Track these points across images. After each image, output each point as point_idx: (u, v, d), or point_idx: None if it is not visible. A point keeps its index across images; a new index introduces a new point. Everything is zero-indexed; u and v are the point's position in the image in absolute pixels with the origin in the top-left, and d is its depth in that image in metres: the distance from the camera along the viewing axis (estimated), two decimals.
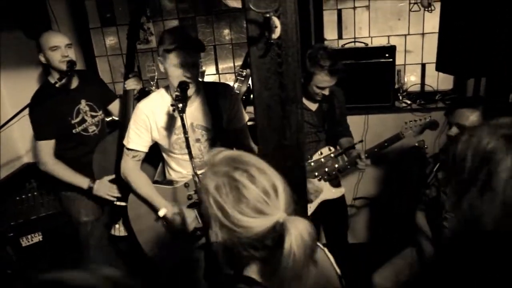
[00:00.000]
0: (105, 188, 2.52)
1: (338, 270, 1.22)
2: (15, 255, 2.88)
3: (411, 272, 2.40)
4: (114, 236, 2.59)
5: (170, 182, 2.32)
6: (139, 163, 2.27)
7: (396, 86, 3.37)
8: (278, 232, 0.97)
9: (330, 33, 3.54)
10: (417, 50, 3.48)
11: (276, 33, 1.24)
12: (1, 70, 3.17)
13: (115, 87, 3.83)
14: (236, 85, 2.94)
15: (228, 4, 1.49)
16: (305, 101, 2.55)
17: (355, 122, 3.16)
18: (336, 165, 2.55)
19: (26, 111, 2.47)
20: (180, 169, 2.28)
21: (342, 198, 2.79)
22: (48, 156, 2.53)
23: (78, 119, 2.61)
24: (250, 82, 2.93)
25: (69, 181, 2.54)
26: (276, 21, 1.22)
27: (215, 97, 2.22)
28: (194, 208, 2.25)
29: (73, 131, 2.59)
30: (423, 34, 3.42)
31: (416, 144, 2.56)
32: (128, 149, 2.22)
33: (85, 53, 3.71)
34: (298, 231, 0.94)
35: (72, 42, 2.58)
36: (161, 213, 2.20)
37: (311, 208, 2.60)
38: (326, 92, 2.50)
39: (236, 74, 2.98)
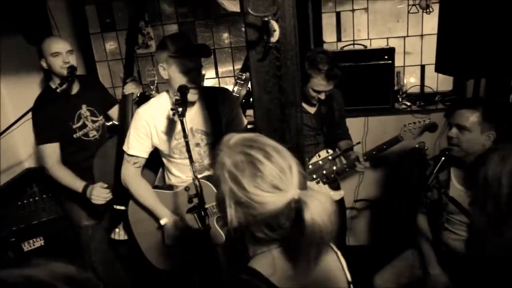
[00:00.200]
0: (95, 192, 2.49)
1: (349, 276, 1.20)
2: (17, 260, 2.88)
3: (412, 274, 2.40)
4: (114, 240, 2.59)
5: (170, 187, 2.32)
6: (140, 170, 2.27)
7: (396, 88, 3.37)
8: (293, 210, 0.98)
9: (329, 36, 3.55)
10: (416, 52, 3.48)
11: (275, 37, 1.24)
12: (2, 75, 3.17)
13: (115, 91, 3.84)
14: (235, 89, 2.95)
15: (226, 8, 1.50)
16: (303, 104, 2.55)
17: (355, 124, 3.17)
18: (334, 167, 2.55)
19: (28, 116, 2.48)
20: (179, 174, 2.28)
21: (341, 200, 2.78)
22: (52, 159, 2.54)
23: (79, 124, 2.62)
24: (249, 85, 2.94)
25: (67, 184, 2.55)
26: (275, 25, 1.22)
27: (214, 101, 2.23)
28: (194, 212, 2.25)
29: (74, 136, 2.60)
30: (422, 35, 3.42)
31: (417, 146, 2.56)
32: (129, 155, 2.22)
33: (85, 58, 3.73)
34: (316, 201, 0.95)
35: (73, 48, 2.60)
36: (163, 222, 2.21)
37: None
38: (322, 97, 2.50)
39: (236, 77, 2.99)
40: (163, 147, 2.21)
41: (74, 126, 2.59)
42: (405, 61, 3.51)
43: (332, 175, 2.58)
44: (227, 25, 3.68)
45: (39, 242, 2.92)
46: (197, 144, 2.21)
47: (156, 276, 2.49)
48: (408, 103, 3.35)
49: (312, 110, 2.66)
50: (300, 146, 1.42)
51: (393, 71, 3.22)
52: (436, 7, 2.42)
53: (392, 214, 3.26)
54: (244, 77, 2.94)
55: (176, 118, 1.83)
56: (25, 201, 3.03)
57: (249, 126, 2.36)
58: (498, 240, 1.20)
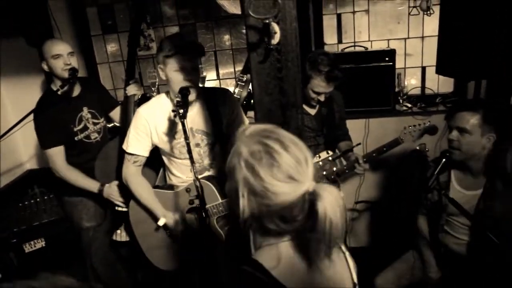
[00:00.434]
0: (116, 192, 2.51)
1: (355, 277, 1.18)
2: (18, 261, 2.89)
3: (412, 276, 2.39)
4: (116, 241, 2.59)
5: (171, 187, 2.33)
6: (140, 168, 2.28)
7: (397, 89, 3.37)
8: (307, 202, 0.98)
9: (330, 38, 3.55)
10: (417, 54, 3.49)
11: (276, 39, 1.25)
12: (3, 77, 3.19)
13: (116, 93, 3.85)
14: (236, 91, 2.95)
15: (227, 10, 1.50)
16: (304, 105, 2.55)
17: (355, 126, 3.17)
18: (335, 168, 2.54)
19: (29, 118, 2.49)
20: (180, 174, 2.29)
21: None
22: (60, 162, 2.54)
23: (80, 127, 2.62)
24: (250, 87, 2.94)
25: (81, 185, 2.56)
26: (276, 27, 1.23)
27: (215, 102, 2.23)
28: (194, 213, 2.25)
29: (75, 138, 2.60)
30: (422, 37, 3.43)
31: (417, 148, 2.55)
32: (128, 153, 2.23)
33: (86, 60, 3.74)
34: (330, 195, 0.95)
35: (74, 50, 2.60)
36: (161, 222, 2.21)
37: None
38: (322, 98, 2.51)
39: (237, 79, 3.00)
40: (163, 146, 2.22)
41: (75, 129, 2.59)
42: (406, 63, 3.51)
43: (332, 176, 2.58)
44: (228, 27, 3.69)
45: (40, 244, 2.93)
46: (197, 145, 2.22)
47: (156, 277, 2.49)
48: (409, 105, 3.35)
49: (312, 111, 2.66)
50: None
51: (394, 73, 3.22)
52: (436, 9, 2.42)
53: (393, 216, 3.26)
54: (245, 79, 2.94)
55: (177, 120, 1.83)
56: (26, 203, 3.04)
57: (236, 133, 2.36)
58: None
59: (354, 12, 3.47)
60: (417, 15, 3.22)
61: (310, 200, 0.98)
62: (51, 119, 2.49)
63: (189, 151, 1.80)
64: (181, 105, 1.85)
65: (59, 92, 2.48)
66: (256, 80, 1.37)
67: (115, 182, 2.53)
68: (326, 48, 3.49)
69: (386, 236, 3.36)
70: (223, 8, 1.51)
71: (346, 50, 3.42)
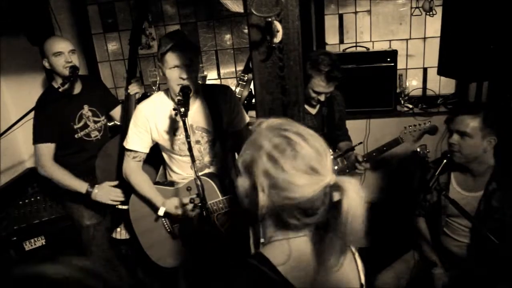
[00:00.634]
0: (106, 194, 2.51)
1: (363, 279, 1.16)
2: (18, 259, 2.88)
3: (412, 276, 2.39)
4: (116, 239, 2.59)
5: (171, 183, 2.34)
6: (140, 164, 2.28)
7: (398, 90, 3.38)
8: (328, 195, 0.98)
9: (331, 38, 3.55)
10: (418, 54, 3.48)
11: (278, 37, 1.25)
12: (4, 75, 3.18)
13: (117, 92, 3.85)
14: (237, 90, 2.95)
15: (230, 8, 1.50)
16: (305, 105, 2.55)
17: (357, 126, 3.17)
18: (336, 167, 2.55)
19: (30, 116, 2.48)
20: (180, 171, 2.29)
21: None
22: (47, 159, 2.51)
23: (80, 124, 2.61)
24: (251, 87, 2.94)
25: (67, 185, 2.52)
26: (278, 26, 1.23)
27: (215, 99, 2.23)
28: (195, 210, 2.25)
29: (75, 136, 2.60)
30: (424, 38, 3.42)
31: (418, 149, 2.55)
32: (129, 150, 2.23)
33: (87, 59, 3.74)
34: (354, 190, 0.95)
35: (75, 48, 2.60)
36: (161, 212, 2.20)
37: None
38: (322, 98, 2.51)
39: (238, 78, 3.00)
40: (163, 142, 2.22)
41: (75, 126, 2.59)
42: (407, 64, 3.51)
43: None
44: (229, 26, 3.69)
45: (40, 242, 2.92)
46: (198, 142, 2.22)
47: (156, 274, 2.49)
48: (410, 106, 3.35)
49: (313, 111, 2.66)
50: None
51: (395, 74, 3.23)
52: (439, 10, 2.43)
53: (393, 216, 3.26)
54: (246, 78, 2.94)
55: (178, 118, 1.83)
56: (26, 201, 3.03)
57: (250, 127, 2.36)
58: None
59: (356, 13, 3.47)
60: (420, 15, 3.22)
61: (331, 193, 0.97)
62: (51, 116, 2.49)
63: (190, 149, 1.80)
64: (182, 104, 1.85)
65: (60, 90, 2.47)
66: (258, 79, 1.37)
67: (107, 183, 2.52)
68: (328, 48, 3.49)
69: (386, 236, 3.36)
70: (226, 6, 1.51)
71: (348, 50, 3.42)
